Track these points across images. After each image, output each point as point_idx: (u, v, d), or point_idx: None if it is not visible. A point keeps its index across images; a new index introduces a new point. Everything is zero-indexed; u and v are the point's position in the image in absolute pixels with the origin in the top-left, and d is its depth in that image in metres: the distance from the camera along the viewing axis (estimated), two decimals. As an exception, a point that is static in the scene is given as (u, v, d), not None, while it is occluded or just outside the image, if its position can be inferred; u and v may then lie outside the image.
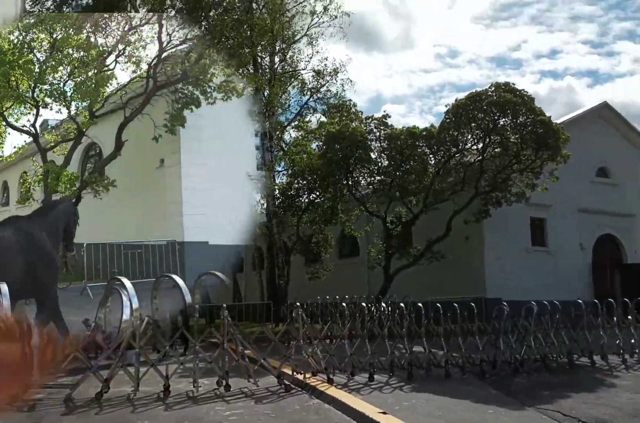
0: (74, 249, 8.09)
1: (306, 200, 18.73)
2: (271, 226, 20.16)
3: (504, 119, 15.97)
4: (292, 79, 23.93)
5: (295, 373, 8.07)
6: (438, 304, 9.11)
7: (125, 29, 12.41)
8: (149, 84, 13.28)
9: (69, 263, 8.30)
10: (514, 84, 16.03)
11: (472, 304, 9.43)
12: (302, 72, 24.09)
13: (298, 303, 8.33)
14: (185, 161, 14.52)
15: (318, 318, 14.23)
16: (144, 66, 13.36)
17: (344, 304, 9.00)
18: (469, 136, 16.47)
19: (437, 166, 16.85)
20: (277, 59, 22.95)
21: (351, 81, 23.91)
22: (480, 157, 16.44)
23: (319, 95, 22.96)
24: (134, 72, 13.86)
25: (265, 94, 21.36)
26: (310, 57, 22.96)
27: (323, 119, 19.24)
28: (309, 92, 23.81)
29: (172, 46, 12.35)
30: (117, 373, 7.08)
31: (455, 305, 9.32)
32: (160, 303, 7.48)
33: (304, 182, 17.97)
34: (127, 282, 7.10)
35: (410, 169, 16.55)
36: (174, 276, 7.06)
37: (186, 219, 11.44)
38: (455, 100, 16.26)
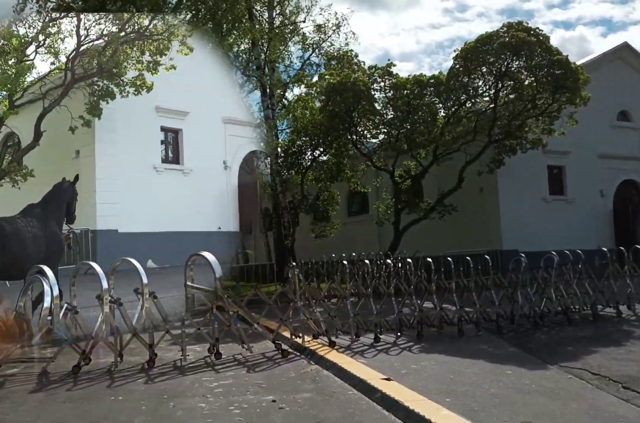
0: (73, 221, 8.45)
1: (310, 157, 17.87)
2: (275, 185, 19.45)
3: (517, 62, 14.77)
4: (292, 34, 22.73)
5: (293, 337, 7.45)
6: (449, 258, 8.35)
7: (46, 20, 12.12)
8: (67, 76, 13.33)
9: (68, 242, 8.75)
10: (527, 23, 14.78)
11: (486, 256, 8.66)
12: (302, 25, 22.85)
13: (294, 263, 7.61)
14: (99, 152, 14.77)
15: (324, 278, 13.74)
16: (63, 58, 13.46)
17: (344, 262, 8.31)
18: (480, 82, 15.34)
19: (447, 115, 15.81)
20: (274, 13, 21.71)
21: (354, 34, 22.66)
22: (493, 104, 15.36)
23: (321, 51, 21.87)
24: (52, 63, 13.96)
25: (265, 49, 20.30)
26: (309, 9, 21.75)
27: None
28: (310, 48, 22.65)
29: (89, 40, 12.46)
30: (97, 343, 6.49)
31: (468, 258, 8.55)
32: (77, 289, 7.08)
33: (307, 138, 17.05)
34: (47, 270, 6.52)
35: (418, 120, 15.55)
36: (92, 263, 6.54)
37: (99, 208, 11.28)
38: (465, 43, 15.05)
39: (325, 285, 10.29)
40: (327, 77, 15.47)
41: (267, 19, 20.59)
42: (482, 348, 7.22)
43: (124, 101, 12.96)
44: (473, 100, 15.43)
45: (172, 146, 16.69)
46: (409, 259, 8.78)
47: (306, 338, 7.65)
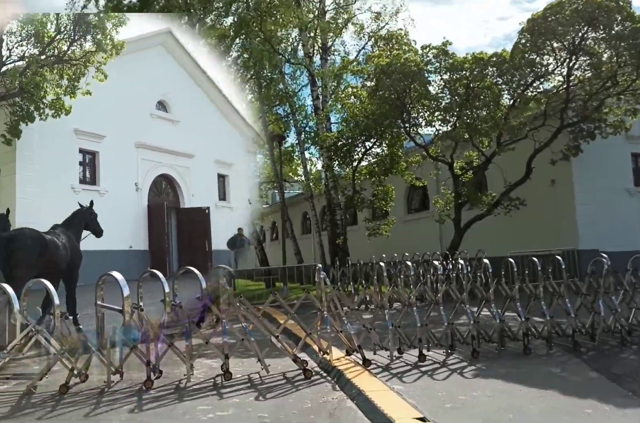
0: (100, 235, 10.47)
1: (362, 150, 16.64)
2: (327, 180, 18.38)
3: (594, 33, 12.90)
4: (347, 22, 21.59)
5: (321, 354, 6.30)
6: (510, 259, 6.91)
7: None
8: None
9: None
10: (605, -13, 12.85)
11: (558, 257, 7.14)
12: (356, 12, 21.69)
13: (319, 265, 6.44)
14: (20, 171, 15.09)
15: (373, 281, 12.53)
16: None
17: (381, 264, 7.02)
18: (551, 59, 13.57)
19: (512, 98, 14.14)
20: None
21: (413, 20, 21.29)
22: (566, 83, 13.56)
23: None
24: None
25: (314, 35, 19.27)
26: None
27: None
28: (366, 37, 21.44)
29: (11, 61, 12.40)
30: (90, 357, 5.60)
31: (534, 259, 7.08)
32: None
33: (357, 129, 15.82)
34: (47, 283, 5.80)
35: (479, 104, 13.97)
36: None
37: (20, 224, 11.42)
38: (532, 15, 13.32)
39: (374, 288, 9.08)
40: (375, 59, 14.13)
41: (317, 5, 19.57)
42: (554, 373, 5.78)
43: (46, 122, 13.00)
44: (542, 79, 13.66)
45: (90, 168, 17.46)
46: (461, 260, 7.39)
47: (338, 354, 6.51)
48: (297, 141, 20.65)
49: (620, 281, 7.39)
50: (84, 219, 9.97)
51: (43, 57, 12.14)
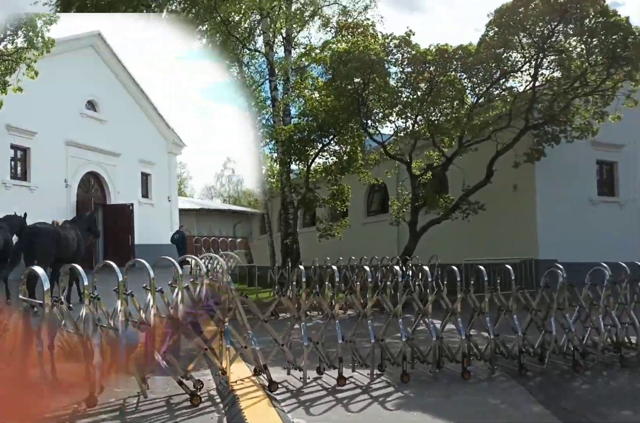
0: (98, 236, 13.49)
1: (319, 145, 15.61)
2: (281, 178, 17.30)
3: (564, 26, 12.12)
4: (313, 17, 20.60)
5: (220, 372, 5.23)
6: (454, 267, 5.94)
7: None
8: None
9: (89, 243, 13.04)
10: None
11: (508, 266, 6.21)
12: (323, 3, 20.71)
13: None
14: None
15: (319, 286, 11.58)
16: None
17: (333, 267, 5.97)
18: (518, 54, 12.80)
19: (476, 95, 13.32)
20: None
21: (382, 17, 20.35)
22: (532, 81, 12.80)
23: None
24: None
25: (276, 25, 18.18)
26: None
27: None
28: (332, 31, 20.45)
29: None
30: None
31: (481, 267, 6.13)
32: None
33: (314, 123, 14.79)
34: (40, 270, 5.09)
35: (442, 101, 13.12)
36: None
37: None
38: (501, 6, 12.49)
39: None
40: (332, 46, 13.12)
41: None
42: (493, 404, 4.84)
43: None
44: (508, 76, 12.88)
45: (21, 163, 17.69)
46: (426, 267, 6.38)
47: (246, 373, 5.46)
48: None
49: (576, 296, 6.51)
50: (88, 222, 11.78)
51: None
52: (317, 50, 15.81)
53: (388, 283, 6.28)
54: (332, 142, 15.38)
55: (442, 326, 6.11)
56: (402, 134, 14.07)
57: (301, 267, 6.22)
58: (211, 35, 15.28)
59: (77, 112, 19.73)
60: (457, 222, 13.83)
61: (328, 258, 12.92)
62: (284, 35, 19.66)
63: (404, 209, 14.63)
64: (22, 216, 11.07)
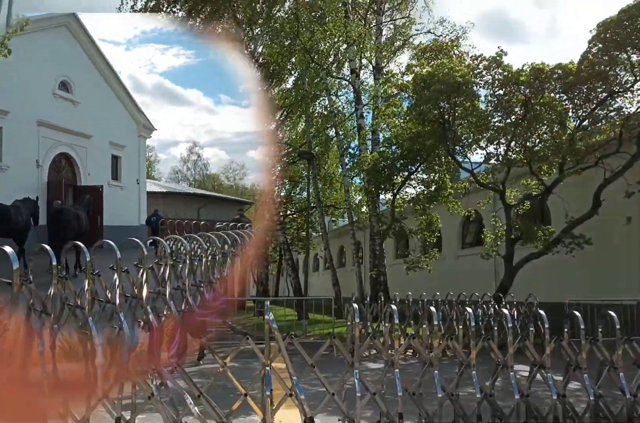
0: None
1: (405, 173, 14.98)
2: (367, 207, 16.77)
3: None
4: (404, 46, 20.38)
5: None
6: (576, 313, 4.97)
7: None
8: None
9: None
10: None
11: (611, 312, 5.14)
12: (414, 31, 20.48)
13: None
14: None
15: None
16: None
17: (432, 309, 5.25)
18: (626, 69, 11.52)
19: (579, 117, 12.12)
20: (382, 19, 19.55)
21: (474, 48, 19.67)
22: (645, 100, 11.44)
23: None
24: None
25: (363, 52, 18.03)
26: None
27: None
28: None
29: None
30: None
31: (576, 313, 5.12)
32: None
33: (399, 150, 14.21)
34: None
35: (538, 124, 12.06)
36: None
37: None
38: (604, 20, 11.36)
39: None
40: (415, 69, 12.55)
41: (368, 20, 18.40)
42: None
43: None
44: (616, 96, 11.59)
45: None
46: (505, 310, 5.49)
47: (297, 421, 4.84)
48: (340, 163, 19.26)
49: None
50: (87, 204, 14.02)
51: None
52: (399, 75, 15.41)
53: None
54: (419, 170, 14.70)
55: (565, 381, 5.08)
56: (493, 162, 13.09)
57: (393, 307, 5.53)
58: (298, 65, 15.29)
59: (49, 93, 19.49)
60: (558, 257, 12.46)
61: (424, 293, 12.15)
62: (374, 64, 19.50)
63: (499, 242, 13.46)
64: (35, 199, 12.96)
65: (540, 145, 12.28)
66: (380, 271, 15.57)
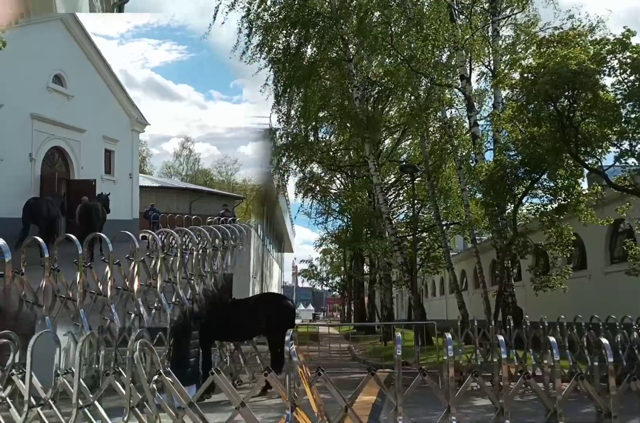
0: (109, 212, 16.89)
1: (527, 182, 13.37)
2: (492, 220, 15.23)
3: None
4: (528, 46, 18.75)
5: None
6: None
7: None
8: None
9: None
10: None
11: None
12: (538, 30, 18.83)
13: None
14: None
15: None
16: None
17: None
18: None
19: None
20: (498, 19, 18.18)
21: (613, 36, 17.45)
22: None
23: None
24: None
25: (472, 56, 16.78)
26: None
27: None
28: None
29: None
30: None
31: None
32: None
33: (516, 156, 12.74)
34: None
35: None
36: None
37: None
38: None
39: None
40: (522, 62, 11.06)
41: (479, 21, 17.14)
42: None
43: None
44: None
45: None
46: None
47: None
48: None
49: None
50: (104, 201, 16.04)
51: None
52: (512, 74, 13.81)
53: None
54: (542, 177, 13.02)
55: None
56: (634, 161, 11.07)
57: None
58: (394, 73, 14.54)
59: (43, 86, 19.43)
60: None
61: (563, 316, 10.54)
62: (492, 68, 18.10)
63: (647, 255, 11.33)
64: (63, 194, 14.49)
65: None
66: (510, 292, 13.94)
